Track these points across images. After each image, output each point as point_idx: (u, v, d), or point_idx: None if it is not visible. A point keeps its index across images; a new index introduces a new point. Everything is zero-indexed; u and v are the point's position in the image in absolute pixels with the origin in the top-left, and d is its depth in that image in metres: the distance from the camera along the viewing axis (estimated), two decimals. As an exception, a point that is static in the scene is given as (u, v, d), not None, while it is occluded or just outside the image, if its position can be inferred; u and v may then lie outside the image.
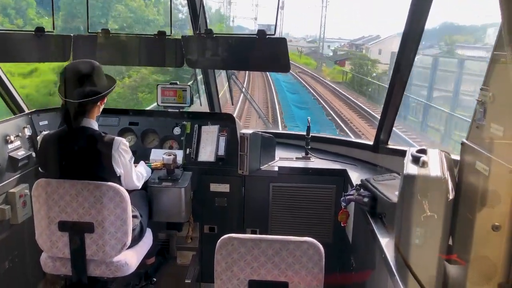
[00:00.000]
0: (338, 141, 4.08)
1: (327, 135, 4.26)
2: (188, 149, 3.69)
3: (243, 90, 4.50)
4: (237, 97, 11.25)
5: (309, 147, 3.86)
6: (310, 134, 3.84)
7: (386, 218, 2.47)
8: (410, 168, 1.99)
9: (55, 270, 2.76)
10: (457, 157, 2.22)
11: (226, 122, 3.76)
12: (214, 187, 3.68)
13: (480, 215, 1.83)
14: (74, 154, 2.71)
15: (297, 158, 3.84)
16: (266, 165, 3.66)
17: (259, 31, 2.83)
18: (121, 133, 3.80)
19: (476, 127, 1.97)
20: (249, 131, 3.46)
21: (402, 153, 3.29)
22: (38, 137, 2.84)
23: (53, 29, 3.14)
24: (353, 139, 4.13)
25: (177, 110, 3.80)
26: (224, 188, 3.68)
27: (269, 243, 2.12)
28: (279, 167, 3.64)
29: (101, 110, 2.86)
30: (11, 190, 3.14)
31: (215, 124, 3.75)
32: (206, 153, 3.68)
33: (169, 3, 3.02)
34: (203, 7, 3.36)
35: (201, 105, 4.23)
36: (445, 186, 1.87)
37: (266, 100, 18.61)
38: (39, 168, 2.91)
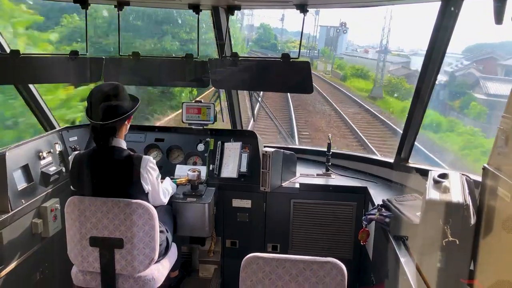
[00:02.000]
0: (358, 158, 4.12)
1: (348, 152, 4.31)
2: (211, 165, 3.78)
3: (265, 108, 4.59)
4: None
5: (330, 163, 3.92)
6: (331, 151, 3.91)
7: (408, 240, 2.51)
8: (432, 193, 2.03)
9: (85, 283, 2.86)
10: (478, 178, 2.25)
11: (248, 139, 3.85)
12: (236, 202, 3.76)
13: (502, 240, 1.87)
14: (104, 172, 2.83)
15: (318, 175, 3.90)
16: (288, 181, 3.73)
17: (283, 54, 2.92)
18: (147, 149, 3.93)
19: (497, 153, 2.01)
20: (271, 149, 3.53)
21: (422, 172, 3.35)
22: (70, 157, 2.97)
23: (86, 51, 3.28)
24: (373, 156, 4.16)
25: (201, 127, 3.91)
26: (246, 203, 3.75)
27: (293, 262, 2.17)
28: (300, 184, 3.70)
29: (128, 128, 2.98)
30: (43, 205, 3.27)
31: (237, 141, 3.85)
32: (229, 169, 3.77)
33: (197, 27, 3.14)
34: (229, 31, 3.47)
35: (223, 121, 4.34)
36: (466, 213, 1.92)
37: (283, 116, 18.00)
38: (71, 187, 3.03)
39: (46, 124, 3.94)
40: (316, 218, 3.72)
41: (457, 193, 2.02)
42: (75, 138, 3.83)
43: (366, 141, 13.41)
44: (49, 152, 3.47)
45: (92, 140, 3.87)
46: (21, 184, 3.12)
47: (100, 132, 2.78)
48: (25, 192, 3.13)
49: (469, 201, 1.99)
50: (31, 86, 3.69)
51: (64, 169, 3.57)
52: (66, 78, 3.65)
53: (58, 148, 3.60)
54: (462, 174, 2.34)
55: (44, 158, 3.38)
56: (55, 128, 3.91)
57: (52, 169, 3.42)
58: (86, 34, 3.30)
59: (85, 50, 3.26)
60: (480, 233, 2.00)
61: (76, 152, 2.96)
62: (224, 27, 3.37)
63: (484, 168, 2.11)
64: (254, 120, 4.51)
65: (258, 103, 4.72)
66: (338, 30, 34.37)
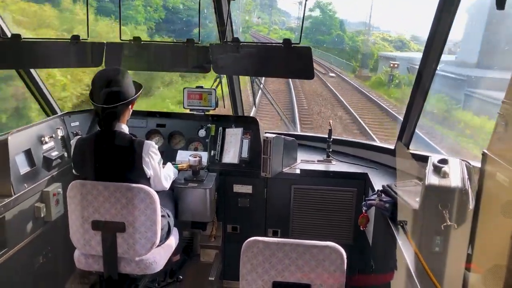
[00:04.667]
0: (359, 144, 4.13)
1: (348, 138, 4.32)
2: (212, 151, 3.80)
3: (267, 94, 4.58)
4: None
5: (331, 150, 3.93)
6: (332, 137, 3.92)
7: (407, 225, 2.53)
8: (432, 179, 2.05)
9: (88, 266, 2.91)
10: (477, 164, 2.26)
11: (249, 125, 3.86)
12: (238, 188, 3.79)
13: (500, 225, 1.88)
14: (107, 157, 2.85)
15: (319, 161, 3.92)
16: (288, 167, 3.75)
17: (284, 40, 2.92)
18: (149, 135, 3.95)
19: (497, 138, 2.02)
20: (273, 135, 3.55)
21: (423, 158, 3.36)
22: (72, 141, 2.99)
23: (88, 36, 3.28)
24: (374, 142, 4.17)
25: (202, 113, 3.92)
26: (247, 189, 3.78)
27: (293, 246, 2.19)
28: (301, 170, 3.72)
29: (130, 113, 2.99)
30: (46, 189, 3.30)
31: (239, 127, 3.86)
32: (230, 155, 3.78)
33: (198, 11, 3.13)
34: (230, 16, 3.45)
35: (224, 107, 4.34)
36: (465, 197, 1.93)
37: (285, 101, 18.01)
38: (73, 171, 3.05)
39: (48, 109, 3.95)
40: (316, 204, 3.75)
41: (456, 178, 2.03)
42: (77, 123, 3.85)
43: None
44: (51, 137, 3.48)
45: (93, 126, 3.91)
46: (24, 169, 3.14)
47: (103, 116, 2.80)
48: (28, 177, 3.15)
49: (468, 186, 2.01)
50: (32, 71, 3.69)
51: (66, 154, 3.59)
52: (68, 63, 3.64)
53: (60, 133, 3.62)
54: (462, 160, 2.35)
55: (46, 142, 3.40)
56: (57, 113, 3.93)
57: (54, 153, 3.44)
58: (88, 18, 3.29)
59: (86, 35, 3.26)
60: (479, 217, 2.02)
61: (79, 137, 2.98)
62: (226, 12, 3.36)
63: (483, 154, 2.12)
64: (255, 107, 4.50)
65: (260, 90, 4.72)
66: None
